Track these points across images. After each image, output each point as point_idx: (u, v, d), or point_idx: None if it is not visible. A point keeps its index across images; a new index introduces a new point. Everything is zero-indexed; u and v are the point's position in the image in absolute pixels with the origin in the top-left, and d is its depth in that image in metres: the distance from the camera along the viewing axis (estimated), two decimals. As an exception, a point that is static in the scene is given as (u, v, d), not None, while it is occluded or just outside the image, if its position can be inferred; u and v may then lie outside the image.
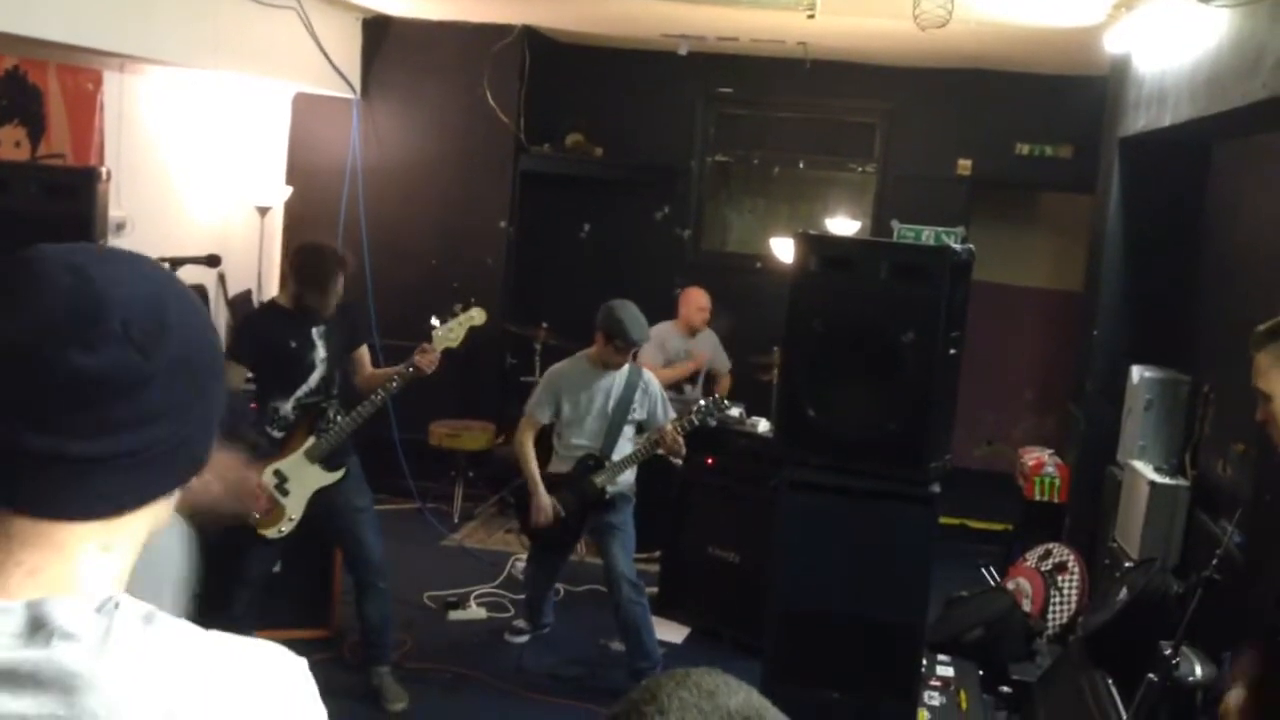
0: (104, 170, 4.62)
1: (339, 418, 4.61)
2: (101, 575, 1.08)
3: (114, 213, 5.08)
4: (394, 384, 4.58)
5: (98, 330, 1.03)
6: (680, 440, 5.21)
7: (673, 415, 5.38)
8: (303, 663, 1.13)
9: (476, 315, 4.73)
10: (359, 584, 4.85)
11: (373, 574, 4.81)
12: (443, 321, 4.69)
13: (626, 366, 5.31)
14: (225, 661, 1.08)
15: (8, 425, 1.02)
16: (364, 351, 4.85)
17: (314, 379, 4.59)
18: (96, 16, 5.01)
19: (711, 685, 0.98)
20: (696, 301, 7.18)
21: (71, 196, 4.37)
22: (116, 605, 1.05)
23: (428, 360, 4.56)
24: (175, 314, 1.10)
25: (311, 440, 4.58)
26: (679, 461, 5.79)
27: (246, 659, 1.10)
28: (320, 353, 4.59)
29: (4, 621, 1.01)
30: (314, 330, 4.57)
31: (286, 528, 4.57)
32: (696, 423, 5.32)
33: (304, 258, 4.64)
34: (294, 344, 4.55)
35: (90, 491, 1.06)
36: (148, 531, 1.14)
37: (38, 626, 1.01)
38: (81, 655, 1.00)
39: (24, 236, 4.13)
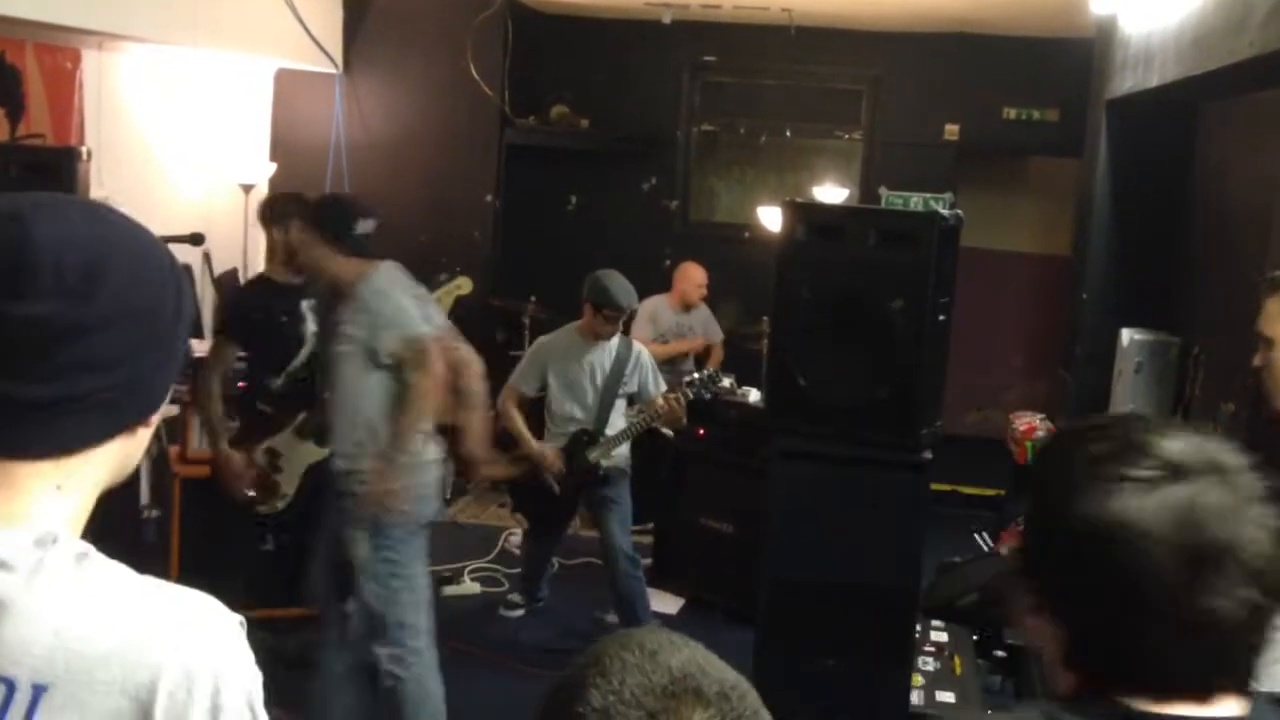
0: (84, 149, 4.57)
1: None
2: (54, 513, 1.11)
3: (96, 192, 5.03)
4: None
5: (29, 278, 1.05)
6: (680, 409, 5.18)
7: (664, 387, 5.36)
8: (236, 618, 1.14)
9: (463, 284, 4.72)
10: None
11: None
12: (429, 291, 4.68)
13: (616, 339, 5.28)
14: (151, 604, 1.10)
15: None
16: None
17: (305, 353, 4.56)
18: (72, -6, 4.96)
19: (654, 645, 0.99)
20: (694, 278, 7.13)
21: (52, 176, 4.32)
22: (54, 541, 1.08)
23: None
24: (119, 260, 1.11)
25: (302, 416, 4.56)
26: (669, 433, 5.78)
27: (174, 605, 1.11)
28: (311, 326, 4.56)
29: None
30: (303, 304, 4.55)
31: (281, 504, 4.56)
32: (690, 396, 5.31)
33: (262, 205, 4.77)
34: (284, 318, 4.52)
35: (38, 432, 1.09)
36: (109, 473, 1.17)
37: None
38: (10, 585, 1.05)
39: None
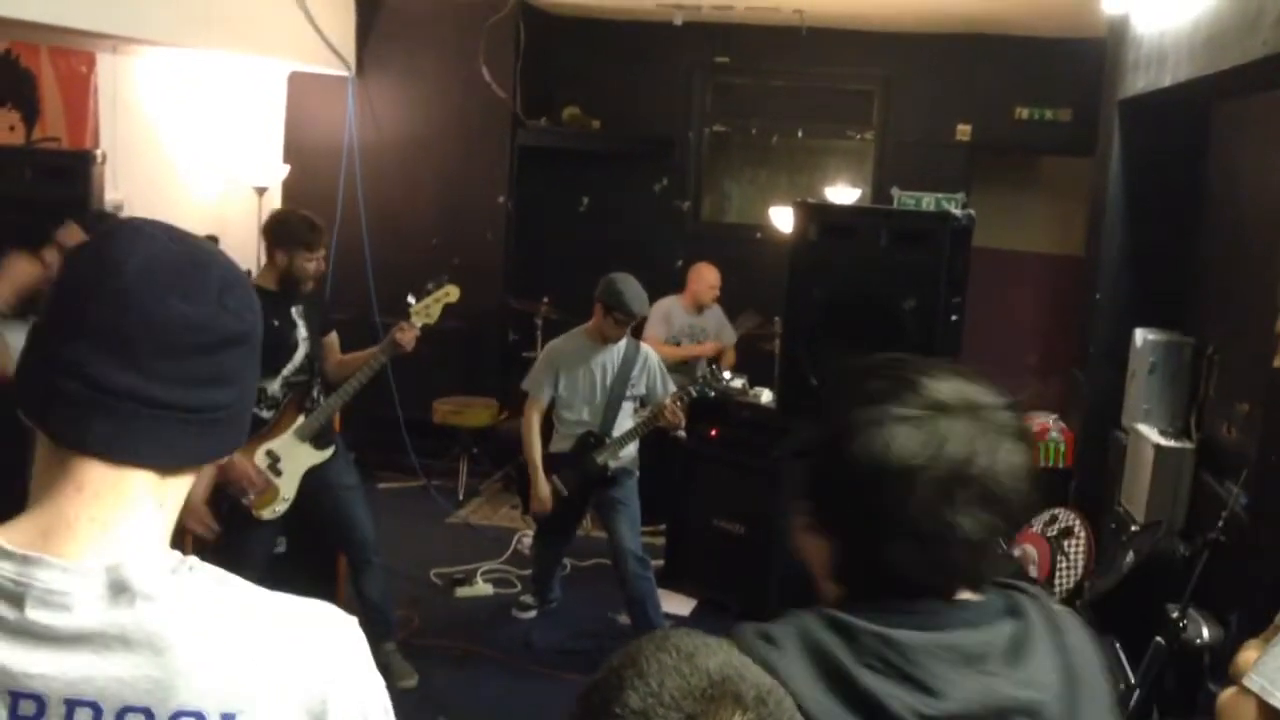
0: (99, 153, 4.60)
1: (322, 396, 4.64)
2: (157, 533, 1.14)
3: (110, 195, 5.06)
4: (377, 362, 4.62)
5: (199, 286, 1.11)
6: (680, 415, 5.19)
7: (673, 389, 5.36)
8: (355, 620, 1.19)
9: (452, 292, 4.77)
10: (353, 563, 4.87)
11: (367, 551, 4.82)
12: (418, 299, 4.72)
13: (624, 341, 5.29)
14: (298, 620, 1.15)
15: (96, 361, 1.07)
16: (333, 338, 4.86)
17: (299, 357, 4.59)
18: (86, -3, 4.98)
19: (690, 647, 0.99)
20: (707, 279, 7.15)
21: (67, 180, 4.35)
22: (190, 568, 1.12)
23: (407, 338, 4.59)
24: (245, 283, 1.19)
25: (301, 419, 4.58)
26: (682, 434, 5.79)
27: (318, 618, 1.17)
28: (302, 331, 4.59)
29: (86, 584, 1.06)
30: (293, 309, 4.59)
31: (281, 507, 4.57)
32: (695, 394, 5.31)
33: (272, 223, 4.70)
34: (276, 322, 4.54)
35: (156, 439, 1.11)
36: (183, 503, 1.20)
37: (120, 589, 1.06)
38: (164, 616, 1.06)
39: (20, 221, 4.11)
